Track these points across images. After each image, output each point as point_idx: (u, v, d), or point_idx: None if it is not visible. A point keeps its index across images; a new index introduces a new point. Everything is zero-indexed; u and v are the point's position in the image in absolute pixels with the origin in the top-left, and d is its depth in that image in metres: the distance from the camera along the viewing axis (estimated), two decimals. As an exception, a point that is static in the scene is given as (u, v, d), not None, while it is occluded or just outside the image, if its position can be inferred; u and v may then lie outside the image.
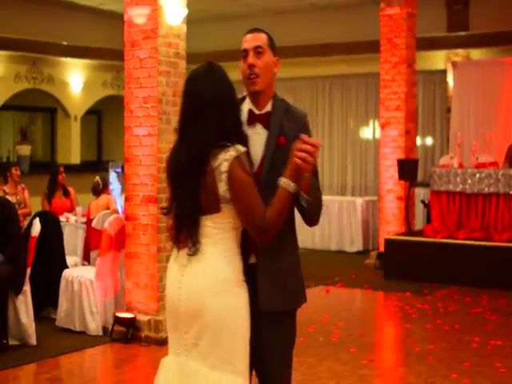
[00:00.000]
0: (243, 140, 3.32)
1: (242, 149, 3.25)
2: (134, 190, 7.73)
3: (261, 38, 3.43)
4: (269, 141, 3.40)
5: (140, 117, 7.63)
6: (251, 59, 3.40)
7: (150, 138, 7.55)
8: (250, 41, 3.44)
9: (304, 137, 3.20)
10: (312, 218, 3.44)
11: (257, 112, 3.46)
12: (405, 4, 11.97)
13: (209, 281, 3.31)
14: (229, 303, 3.30)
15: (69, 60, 16.23)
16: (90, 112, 17.52)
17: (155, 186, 7.52)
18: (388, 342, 8.33)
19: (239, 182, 3.22)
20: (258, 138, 3.42)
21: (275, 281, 3.41)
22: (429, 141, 15.54)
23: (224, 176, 3.22)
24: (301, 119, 3.46)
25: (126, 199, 7.87)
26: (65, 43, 15.67)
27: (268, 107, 3.46)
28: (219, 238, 3.32)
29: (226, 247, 3.33)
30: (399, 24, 12.01)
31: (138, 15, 7.54)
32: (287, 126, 3.40)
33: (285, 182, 3.22)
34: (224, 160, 3.22)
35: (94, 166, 17.85)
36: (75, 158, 16.79)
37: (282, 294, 3.43)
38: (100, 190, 9.37)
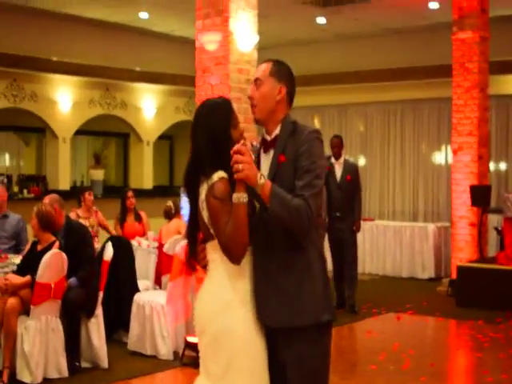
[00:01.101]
0: (228, 166, 3.43)
1: (219, 175, 3.42)
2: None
3: (262, 70, 3.67)
4: (272, 161, 3.58)
5: (211, 143, 7.68)
6: (250, 91, 3.68)
7: (220, 164, 7.59)
8: (255, 73, 3.74)
9: (238, 147, 3.31)
10: (287, 224, 3.41)
11: (268, 138, 3.65)
12: (477, 28, 11.84)
13: (208, 302, 3.50)
14: (228, 325, 3.43)
15: (142, 85, 16.50)
16: (162, 137, 17.74)
17: (225, 211, 7.55)
18: (459, 372, 8.17)
19: (210, 209, 3.42)
20: (269, 162, 3.61)
21: (279, 296, 3.46)
22: (502, 166, 15.27)
23: (204, 204, 3.45)
24: (304, 136, 3.51)
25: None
26: (138, 69, 15.94)
27: (276, 131, 3.62)
28: (219, 261, 3.48)
29: (229, 270, 3.46)
30: (472, 48, 11.88)
31: (209, 42, 7.63)
32: (291, 145, 3.52)
33: (234, 197, 3.34)
34: (203, 189, 3.45)
35: (166, 191, 18.06)
36: (148, 183, 17.00)
37: (289, 309, 3.45)
38: (172, 214, 9.42)
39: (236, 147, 3.31)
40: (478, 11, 11.81)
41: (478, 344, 8.79)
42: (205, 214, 3.46)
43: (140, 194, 12.08)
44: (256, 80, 3.66)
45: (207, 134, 3.54)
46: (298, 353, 3.48)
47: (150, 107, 16.91)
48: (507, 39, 14.18)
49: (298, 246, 3.47)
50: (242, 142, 3.39)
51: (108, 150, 18.71)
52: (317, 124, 17.07)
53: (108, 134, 18.12)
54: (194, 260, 3.66)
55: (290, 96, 3.67)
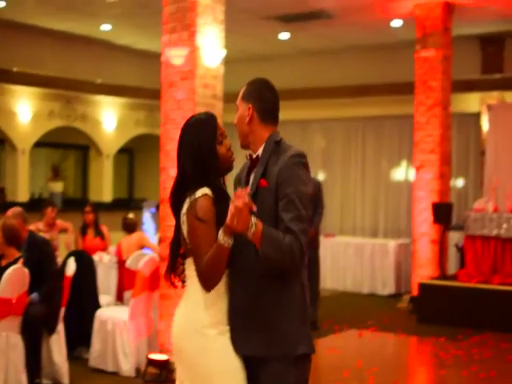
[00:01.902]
0: (213, 183, 3.45)
1: (203, 191, 3.39)
2: (168, 231, 7.69)
3: (239, 96, 3.62)
4: (253, 183, 3.49)
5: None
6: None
7: (186, 179, 7.52)
8: None
9: (238, 191, 3.20)
10: (278, 264, 3.29)
11: (253, 156, 3.59)
12: (441, 46, 11.93)
13: (185, 321, 3.45)
14: (201, 344, 3.38)
15: (102, 98, 16.36)
16: (122, 150, 17.61)
17: (191, 227, 7.47)
18: (423, 390, 8.19)
19: (190, 229, 3.37)
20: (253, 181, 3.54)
21: (250, 323, 3.37)
22: (462, 184, 15.40)
23: (184, 218, 3.42)
24: (285, 161, 3.39)
25: (161, 240, 7.85)
26: (99, 81, 15.81)
27: (259, 151, 3.55)
28: (196, 279, 3.39)
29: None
30: (434, 66, 11.96)
31: (175, 56, 7.58)
32: (272, 166, 3.43)
33: (219, 238, 3.24)
34: (186, 203, 3.42)
35: (126, 204, 17.93)
36: (107, 196, 16.85)
37: (261, 338, 3.36)
38: (133, 227, 9.29)
39: (236, 194, 3.18)
40: (441, 30, 11.90)
41: (441, 361, 8.81)
42: (184, 228, 3.42)
43: (99, 207, 11.92)
44: (236, 107, 3.64)
45: (192, 152, 3.50)
46: (274, 381, 3.38)
47: (110, 120, 16.77)
48: (468, 58, 14.34)
49: (273, 273, 3.34)
50: (241, 188, 3.26)
51: (67, 163, 18.52)
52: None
53: (67, 147, 17.94)
54: (174, 275, 3.59)
55: (262, 112, 3.56)
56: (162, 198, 7.76)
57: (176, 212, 3.52)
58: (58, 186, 16.63)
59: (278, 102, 3.64)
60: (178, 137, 7.51)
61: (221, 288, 3.41)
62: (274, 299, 3.36)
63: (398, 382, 7.80)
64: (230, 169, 3.61)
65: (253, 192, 3.42)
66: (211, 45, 7.56)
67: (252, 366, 3.41)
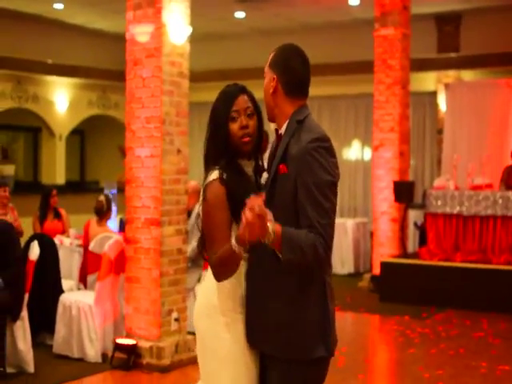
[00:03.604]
0: (226, 162, 3.26)
1: (214, 176, 3.21)
2: (135, 213, 7.53)
3: (266, 64, 3.33)
4: (272, 167, 3.22)
5: (142, 137, 7.44)
6: None
7: (152, 159, 7.36)
8: None
9: (251, 200, 2.86)
10: (304, 265, 3.05)
11: (279, 132, 3.30)
12: (399, 25, 11.86)
13: (201, 303, 3.34)
14: (212, 329, 3.27)
15: (54, 79, 16.00)
16: (73, 132, 17.26)
17: (158, 208, 7.32)
18: (396, 368, 8.09)
19: (202, 211, 3.24)
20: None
21: (265, 320, 3.17)
22: (419, 162, 15.45)
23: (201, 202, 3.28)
24: (303, 146, 3.07)
25: (127, 222, 7.67)
26: (50, 61, 15.45)
27: (283, 129, 3.26)
28: None
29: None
30: (394, 45, 11.90)
31: (140, 33, 7.37)
32: (292, 149, 3.12)
33: (233, 244, 2.98)
34: (202, 187, 3.29)
35: (78, 186, 17.64)
36: (60, 178, 16.52)
37: (275, 336, 3.15)
38: (104, 210, 9.03)
39: (248, 205, 2.84)
40: (400, 8, 11.84)
41: (409, 340, 8.80)
42: (200, 211, 3.30)
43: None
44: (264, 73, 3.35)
45: (210, 123, 3.34)
46: (277, 380, 3.21)
47: (62, 101, 16.42)
48: (425, 37, 14.34)
49: (290, 270, 3.10)
50: (252, 199, 2.87)
51: (17, 145, 18.10)
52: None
53: (18, 128, 17.54)
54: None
55: (287, 86, 3.24)
56: (128, 178, 7.58)
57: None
58: (8, 169, 16.23)
59: (309, 75, 3.29)
60: (143, 116, 7.38)
61: (236, 278, 3.22)
62: (289, 297, 3.13)
63: (369, 362, 7.76)
64: (242, 149, 3.29)
65: (271, 177, 3.19)
66: (177, 22, 7.38)
67: (265, 360, 3.26)
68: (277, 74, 3.25)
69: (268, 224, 2.90)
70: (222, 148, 3.26)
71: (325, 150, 3.08)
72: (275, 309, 3.14)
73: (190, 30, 7.55)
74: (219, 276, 3.15)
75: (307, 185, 3.03)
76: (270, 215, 2.90)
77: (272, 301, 3.15)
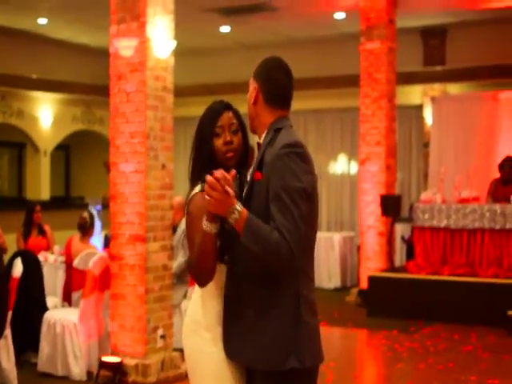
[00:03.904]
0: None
1: (198, 189, 3.25)
2: (119, 229, 7.44)
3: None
4: (251, 175, 3.22)
5: (126, 153, 7.37)
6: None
7: (137, 175, 7.29)
8: None
9: (208, 176, 2.97)
10: (262, 260, 3.02)
11: (260, 143, 3.31)
12: (385, 38, 11.85)
13: (188, 320, 3.33)
14: (197, 345, 3.25)
15: (39, 94, 15.90)
16: (58, 147, 17.14)
17: (143, 224, 7.24)
18: (383, 384, 8.08)
19: (186, 223, 3.29)
20: None
21: (240, 329, 3.14)
22: (406, 176, 15.43)
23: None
24: (276, 151, 3.08)
25: (112, 238, 7.58)
26: (35, 77, 15.35)
27: (262, 139, 3.29)
28: None
29: (205, 289, 3.24)
30: (380, 59, 11.88)
31: (124, 47, 7.31)
32: (266, 158, 3.13)
33: (203, 224, 3.05)
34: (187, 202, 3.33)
35: (64, 202, 17.53)
36: (45, 194, 16.39)
37: (249, 346, 3.11)
38: (87, 227, 8.92)
39: (208, 177, 2.96)
40: (385, 22, 11.84)
41: (397, 354, 8.74)
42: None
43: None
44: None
45: (195, 139, 3.37)
46: None
47: (47, 116, 16.31)
48: (410, 50, 14.35)
49: (264, 276, 3.09)
50: (217, 174, 2.98)
51: (1, 160, 17.96)
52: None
53: (2, 144, 17.39)
54: None
55: (268, 95, 3.26)
56: (112, 194, 7.50)
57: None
58: (-7, 185, 16.14)
59: (291, 86, 3.31)
60: (127, 131, 7.31)
61: (217, 289, 3.24)
62: (261, 304, 3.10)
63: (358, 378, 7.69)
64: (226, 164, 3.28)
65: (249, 185, 3.21)
66: (161, 36, 7.32)
67: (250, 374, 3.23)
68: (258, 83, 3.27)
69: (234, 201, 2.97)
70: (207, 163, 3.26)
71: (296, 156, 3.06)
72: (247, 317, 3.12)
73: (174, 43, 7.49)
74: (199, 271, 3.14)
75: (276, 189, 3.02)
76: (230, 191, 2.95)
77: (247, 307, 3.13)
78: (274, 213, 3.00)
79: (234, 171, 3.05)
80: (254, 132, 3.34)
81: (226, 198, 2.95)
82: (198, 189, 3.24)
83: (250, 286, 3.12)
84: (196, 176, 3.30)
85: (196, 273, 3.16)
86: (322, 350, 3.21)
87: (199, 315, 3.27)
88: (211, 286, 3.22)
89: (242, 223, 2.98)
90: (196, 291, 3.30)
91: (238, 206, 2.98)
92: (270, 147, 3.15)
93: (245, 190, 3.25)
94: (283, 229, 2.95)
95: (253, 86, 3.30)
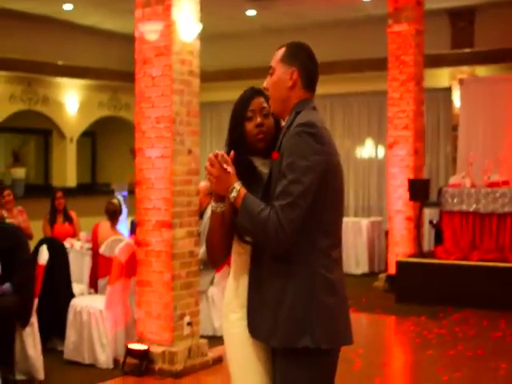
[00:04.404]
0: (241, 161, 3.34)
1: None
2: (146, 215, 7.38)
3: (275, 56, 3.36)
4: (271, 157, 3.30)
5: (152, 138, 7.29)
6: (265, 81, 3.41)
7: (163, 160, 7.21)
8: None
9: (211, 155, 3.16)
10: (253, 238, 3.17)
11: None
12: (413, 21, 11.69)
13: (223, 304, 3.45)
14: (226, 329, 3.39)
15: (64, 80, 15.88)
16: (84, 134, 17.14)
17: (169, 210, 7.17)
18: (413, 371, 7.94)
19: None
20: None
21: (261, 307, 3.18)
22: (434, 159, 15.26)
23: None
24: (293, 130, 3.11)
25: (138, 224, 7.52)
26: (60, 63, 15.34)
27: (285, 122, 3.34)
28: (233, 258, 3.38)
29: (236, 270, 3.35)
30: (407, 41, 11.73)
31: (150, 31, 7.22)
32: (284, 139, 3.17)
33: (211, 204, 3.27)
34: None
35: (89, 189, 17.53)
36: (71, 181, 16.40)
37: (268, 323, 3.13)
38: (117, 213, 8.83)
39: (208, 156, 3.15)
40: (413, 4, 11.68)
41: (426, 341, 8.62)
42: None
43: (64, 192, 11.46)
44: (269, 68, 3.35)
45: (229, 125, 3.46)
46: (283, 374, 3.17)
47: (73, 103, 16.29)
48: (439, 32, 14.16)
49: (282, 256, 3.10)
50: (216, 152, 3.16)
51: (27, 148, 17.99)
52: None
53: (29, 131, 17.41)
54: None
55: (306, 80, 3.28)
56: (138, 179, 7.43)
57: None
58: (20, 173, 16.12)
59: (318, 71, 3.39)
60: (153, 116, 7.25)
61: (245, 270, 3.30)
62: (278, 284, 3.12)
63: (387, 365, 7.60)
64: (257, 146, 3.38)
65: (270, 166, 3.25)
66: (187, 19, 7.22)
67: (273, 353, 3.27)
68: (298, 68, 3.28)
69: (233, 180, 3.12)
70: (238, 147, 3.33)
71: (309, 135, 3.06)
72: (266, 295, 3.15)
73: (200, 27, 7.39)
74: (209, 254, 3.34)
75: (283, 168, 3.07)
76: (229, 169, 3.12)
77: (265, 288, 3.16)
78: (278, 186, 3.06)
79: (233, 152, 3.21)
80: (280, 115, 3.36)
81: (225, 177, 3.12)
82: None
83: (269, 264, 3.16)
84: None
85: (207, 253, 3.33)
86: (347, 332, 3.18)
87: (229, 298, 3.37)
88: (240, 267, 3.32)
89: (239, 202, 3.09)
90: (230, 274, 3.39)
91: (237, 185, 3.11)
92: (288, 129, 3.18)
93: (268, 171, 3.30)
94: (277, 204, 3.01)
95: (285, 69, 3.28)
